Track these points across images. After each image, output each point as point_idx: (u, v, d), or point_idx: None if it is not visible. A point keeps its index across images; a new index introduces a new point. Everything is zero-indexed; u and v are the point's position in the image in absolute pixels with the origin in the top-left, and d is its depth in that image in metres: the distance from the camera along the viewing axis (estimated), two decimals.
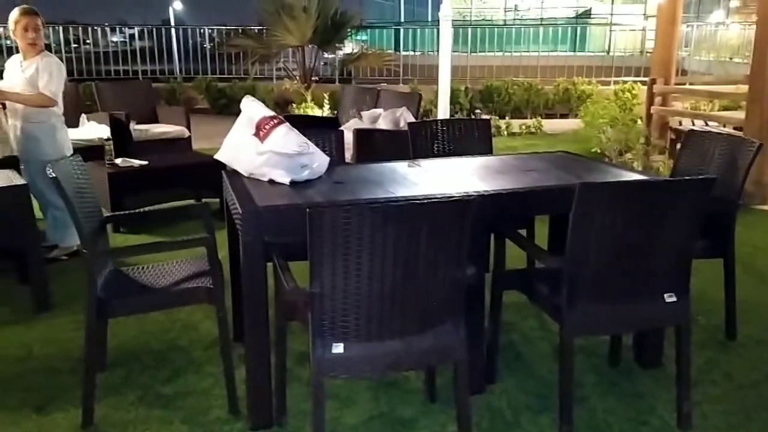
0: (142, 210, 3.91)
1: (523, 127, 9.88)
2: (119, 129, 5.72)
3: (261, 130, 2.70)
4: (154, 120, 6.75)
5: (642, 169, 5.72)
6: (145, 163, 4.91)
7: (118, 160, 4.85)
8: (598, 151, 6.97)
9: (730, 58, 14.61)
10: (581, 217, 2.16)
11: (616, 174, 2.97)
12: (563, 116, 11.53)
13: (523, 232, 3.25)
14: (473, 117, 9.80)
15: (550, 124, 10.41)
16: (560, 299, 2.26)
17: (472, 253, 2.07)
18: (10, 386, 2.70)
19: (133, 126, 6.12)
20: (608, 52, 16.30)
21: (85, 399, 2.40)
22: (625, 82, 11.13)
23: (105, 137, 5.13)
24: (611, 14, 21.31)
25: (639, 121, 7.76)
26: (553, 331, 3.11)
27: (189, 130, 6.57)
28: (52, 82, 3.85)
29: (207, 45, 14.32)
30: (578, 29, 19.51)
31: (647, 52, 14.41)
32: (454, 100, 9.64)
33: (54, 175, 2.31)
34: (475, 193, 2.47)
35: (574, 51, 17.19)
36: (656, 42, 8.10)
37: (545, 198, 2.66)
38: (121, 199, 4.68)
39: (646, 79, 8.62)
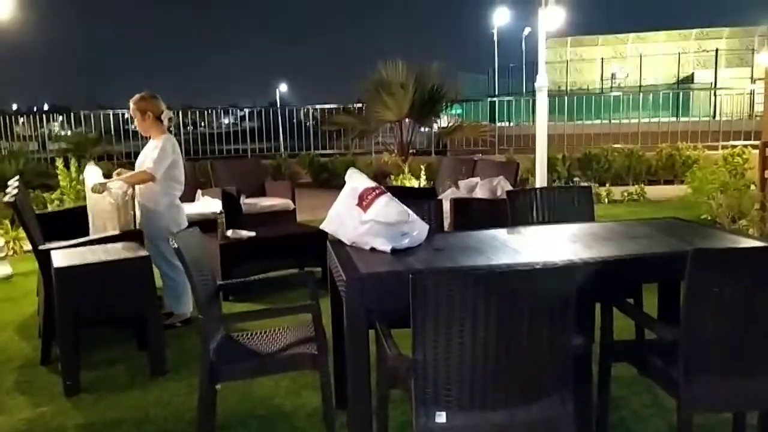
0: (251, 279, 4.10)
1: (625, 194, 9.59)
2: (230, 203, 6.07)
3: (364, 201, 2.80)
4: (262, 194, 7.12)
5: (759, 235, 5.38)
6: (253, 234, 5.17)
7: (229, 232, 5.13)
8: (709, 218, 6.64)
9: None
10: (697, 285, 2.07)
11: (732, 240, 2.83)
12: (667, 182, 11.10)
13: (631, 301, 3.12)
14: (573, 185, 9.64)
15: (654, 191, 10.05)
16: (676, 372, 2.15)
17: (578, 323, 2.02)
18: None
19: (243, 200, 6.48)
20: (714, 117, 15.71)
21: None
22: (733, 146, 10.64)
23: (218, 211, 5.46)
24: (715, 78, 20.66)
25: (752, 186, 7.34)
26: (668, 408, 2.92)
27: (294, 202, 6.87)
28: (158, 162, 4.19)
29: (310, 123, 15.11)
30: (680, 95, 18.99)
31: (756, 115, 13.77)
32: (551, 168, 9.55)
33: (176, 245, 2.49)
34: (580, 260, 2.43)
35: (677, 117, 16.68)
36: (765, 105, 7.74)
37: (655, 265, 2.57)
38: (231, 268, 4.92)
39: (756, 142, 8.21)
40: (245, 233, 5.16)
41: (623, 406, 3.02)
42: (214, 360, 2.54)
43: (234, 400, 3.21)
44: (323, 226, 2.91)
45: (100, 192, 4.20)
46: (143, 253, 3.79)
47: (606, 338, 2.60)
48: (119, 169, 4.52)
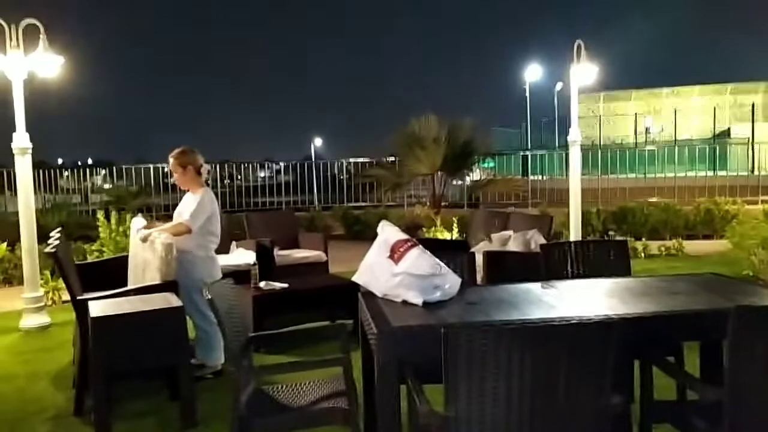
0: (283, 330, 4.10)
1: (663, 248, 9.39)
2: (264, 254, 6.14)
3: (396, 253, 2.81)
4: (295, 245, 7.19)
5: None
6: (285, 285, 5.19)
7: (262, 284, 5.17)
8: (750, 273, 6.45)
9: None
10: (740, 344, 2.00)
11: None
12: (706, 237, 10.87)
13: (671, 359, 3.02)
14: (607, 238, 9.50)
15: (692, 246, 9.83)
16: None
17: (616, 381, 1.96)
18: None
19: (277, 251, 6.55)
20: (753, 171, 15.45)
21: None
22: None
23: (251, 263, 5.51)
24: (752, 132, 20.43)
25: None
26: None
27: (326, 254, 6.92)
28: (195, 216, 4.28)
29: (344, 176, 15.33)
30: (717, 149, 18.78)
31: None
32: (586, 221, 9.44)
33: (209, 296, 2.52)
34: (617, 316, 2.37)
35: (714, 171, 16.46)
36: None
37: (695, 322, 2.49)
38: (263, 319, 4.93)
39: None
40: (278, 285, 5.19)
41: None
42: (244, 413, 2.52)
43: None
44: (355, 278, 2.92)
45: (145, 241, 4.29)
46: (177, 303, 3.83)
47: (646, 397, 2.51)
48: (155, 222, 4.64)
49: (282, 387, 2.87)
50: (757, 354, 2.01)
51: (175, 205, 4.65)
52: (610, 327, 1.92)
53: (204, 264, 4.37)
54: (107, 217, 7.90)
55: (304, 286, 5.44)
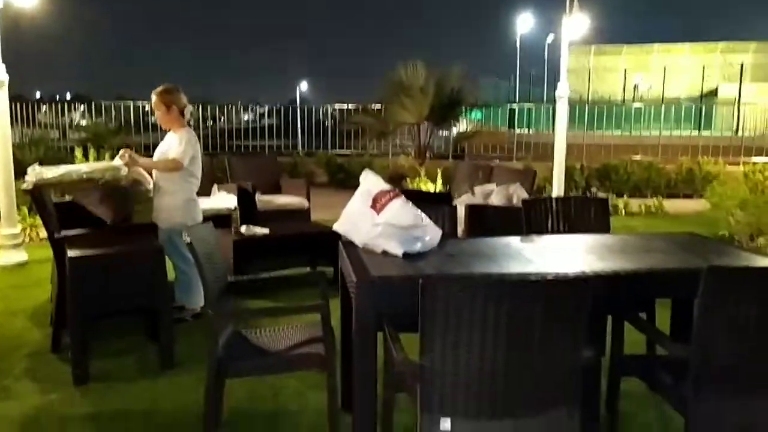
0: (262, 276, 4.14)
1: (643, 206, 9.49)
2: (246, 199, 6.09)
3: (378, 203, 2.80)
4: (278, 191, 7.14)
5: None
6: (266, 231, 5.18)
7: (243, 228, 5.15)
8: (727, 234, 6.56)
9: None
10: (710, 303, 2.04)
11: (748, 259, 2.79)
12: (686, 197, 10.99)
13: (643, 315, 3.09)
14: (589, 195, 9.57)
15: (672, 205, 9.94)
16: (686, 390, 2.12)
17: (589, 336, 2.00)
18: None
19: (258, 196, 6.51)
20: (737, 132, 15.53)
21: None
22: (755, 162, 10.51)
23: (232, 207, 5.48)
24: (739, 93, 20.43)
25: None
26: (676, 426, 2.87)
27: (308, 201, 6.89)
28: (184, 153, 4.21)
29: (328, 122, 15.16)
30: (703, 108, 18.80)
31: None
32: (569, 177, 9.48)
33: (189, 239, 2.50)
34: (593, 272, 2.40)
35: (699, 130, 16.51)
36: None
37: (669, 280, 2.53)
38: (243, 264, 4.94)
39: None
40: (259, 230, 5.17)
41: (631, 422, 2.98)
42: (222, 356, 2.55)
43: (241, 396, 3.21)
44: (336, 227, 2.91)
45: (128, 165, 4.12)
46: (156, 245, 3.81)
47: (616, 352, 2.57)
48: (126, 149, 4.39)
49: (260, 331, 2.90)
50: (725, 314, 2.05)
51: (155, 145, 4.57)
52: (586, 283, 1.94)
53: (185, 206, 4.33)
54: (85, 155, 7.78)
55: (286, 232, 5.43)
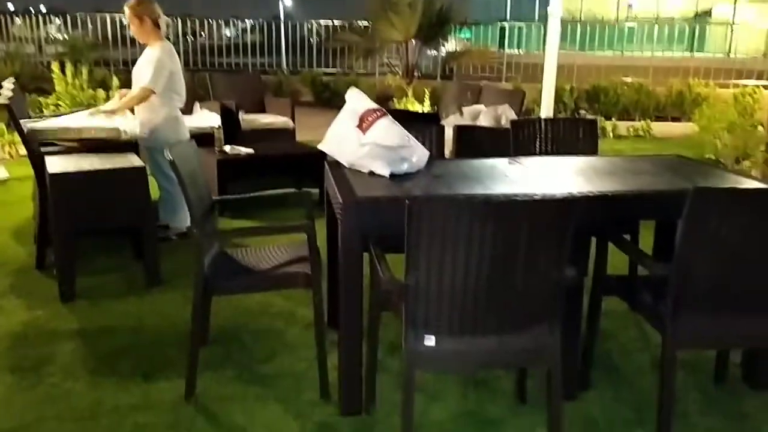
0: (247, 195, 4.09)
1: (631, 129, 9.46)
2: (229, 118, 5.98)
3: (364, 122, 2.74)
4: (262, 110, 7.01)
5: (762, 177, 5.33)
6: (251, 151, 5.11)
7: (227, 148, 5.07)
8: (713, 157, 6.57)
9: None
10: (693, 224, 2.05)
11: (733, 180, 2.80)
12: (675, 120, 10.94)
13: (627, 237, 3.12)
14: (578, 117, 9.50)
15: (661, 128, 9.91)
16: (665, 309, 2.16)
17: (573, 256, 2.01)
18: (122, 355, 2.90)
19: (242, 115, 6.38)
20: (729, 54, 15.33)
21: (189, 371, 2.54)
22: (746, 85, 10.41)
23: (216, 125, 5.37)
24: (734, 13, 19.98)
25: (760, 128, 7.23)
26: (654, 343, 2.98)
27: (293, 121, 6.78)
28: (156, 76, 4.08)
29: (314, 39, 14.72)
30: (696, 28, 18.43)
31: None
32: (558, 99, 9.37)
33: (171, 157, 2.45)
34: (580, 194, 2.40)
35: (692, 52, 16.26)
36: None
37: (655, 202, 2.54)
38: (227, 184, 4.90)
39: None
40: (243, 150, 5.10)
41: (610, 340, 3.07)
42: (208, 274, 2.55)
43: (227, 314, 3.25)
44: (321, 146, 2.87)
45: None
46: (139, 163, 3.75)
47: (599, 272, 2.61)
48: (123, 90, 4.48)
49: (246, 250, 2.90)
50: (708, 235, 2.06)
51: (134, 60, 4.42)
52: (571, 204, 1.93)
53: (168, 124, 4.23)
54: (62, 70, 7.54)
55: (270, 152, 5.37)
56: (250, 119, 6.50)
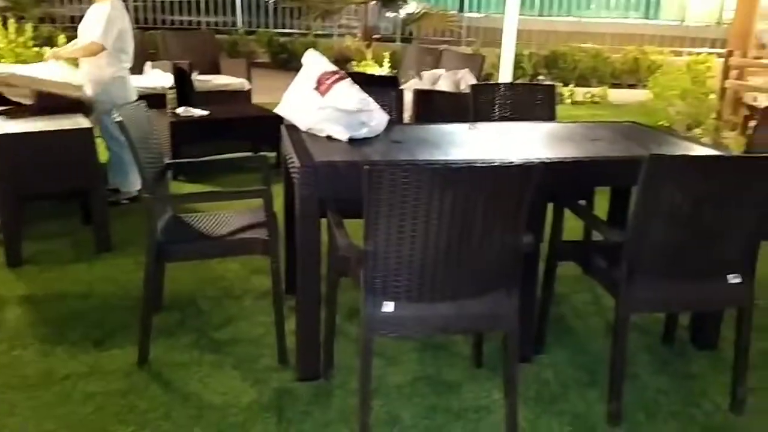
0: (202, 159, 3.99)
1: (588, 95, 9.56)
2: (182, 78, 5.79)
3: (322, 85, 2.68)
4: (216, 71, 6.80)
5: (712, 144, 5.47)
6: (205, 113, 4.98)
7: (180, 110, 4.93)
8: (666, 124, 6.70)
9: None
10: (648, 190, 2.08)
11: (685, 147, 2.84)
12: (631, 87, 11.10)
13: (583, 203, 3.16)
14: (537, 83, 9.54)
15: (617, 94, 10.05)
16: (618, 274, 2.20)
17: (530, 222, 2.02)
18: (72, 321, 2.82)
19: (195, 76, 6.19)
20: (683, 22, 15.54)
21: (142, 338, 2.49)
22: (699, 53, 10.61)
23: (168, 86, 5.20)
24: None
25: (711, 96, 7.40)
26: (607, 307, 3.05)
27: (249, 82, 6.61)
28: (107, 31, 3.91)
29: None
30: None
31: (725, 23, 13.67)
32: (517, 64, 9.36)
33: (119, 119, 2.35)
34: (538, 160, 2.40)
35: (647, 18, 16.42)
36: (736, 12, 7.66)
37: (611, 169, 2.57)
38: (180, 147, 4.77)
39: (722, 51, 8.20)
40: (197, 111, 4.97)
41: (565, 303, 3.13)
42: (160, 239, 2.48)
43: (183, 280, 3.19)
44: (278, 110, 2.80)
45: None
46: (86, 124, 3.60)
47: (555, 238, 2.64)
48: (75, 41, 4.25)
49: (201, 216, 2.83)
50: (661, 201, 2.10)
51: (82, 18, 4.20)
52: (530, 170, 1.93)
53: (113, 83, 4.07)
54: (4, 25, 7.15)
55: (226, 114, 5.23)
56: (203, 80, 6.30)
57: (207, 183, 4.63)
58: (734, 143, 5.82)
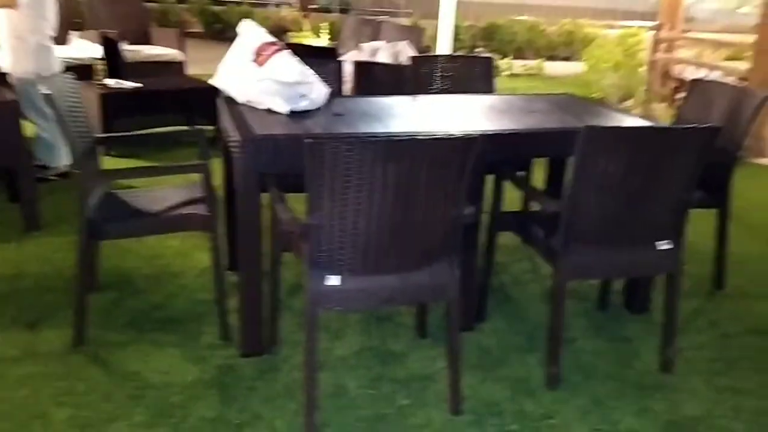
0: (135, 133, 3.87)
1: (525, 68, 9.71)
2: (111, 49, 5.55)
3: (260, 56, 2.61)
4: (147, 42, 6.55)
5: (643, 115, 5.66)
6: (137, 85, 4.79)
7: (110, 81, 4.73)
8: (600, 96, 6.88)
9: (737, 8, 14.30)
10: (583, 161, 2.13)
11: (618, 119, 2.93)
12: (566, 59, 11.33)
13: (521, 174, 3.22)
14: (475, 55, 9.61)
15: (552, 67, 10.25)
16: (556, 243, 2.26)
17: (471, 193, 2.05)
18: (3, 303, 2.70)
19: (125, 46, 5.94)
20: None
21: (77, 318, 2.41)
22: (630, 26, 10.89)
23: (96, 57, 4.97)
24: None
25: (642, 68, 7.64)
26: (544, 275, 3.14)
27: (183, 53, 6.40)
28: None
29: None
30: None
31: None
32: (455, 36, 9.40)
33: (48, 91, 2.23)
34: (478, 133, 2.43)
35: None
36: None
37: (549, 140, 2.62)
38: (112, 121, 4.59)
39: (652, 24, 8.44)
40: (129, 84, 4.78)
41: (505, 272, 3.21)
42: (93, 217, 2.39)
43: (117, 259, 3.09)
44: (214, 82, 2.72)
45: None
46: (10, 97, 3.41)
47: (495, 209, 2.68)
48: None
49: (136, 192, 2.74)
50: (596, 171, 2.16)
51: None
52: (470, 143, 1.95)
53: (38, 53, 3.86)
54: None
55: (159, 86, 5.06)
56: (134, 51, 6.06)
57: (142, 158, 4.48)
58: (663, 114, 6.04)
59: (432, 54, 6.62)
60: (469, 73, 3.69)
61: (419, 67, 3.60)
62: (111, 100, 4.61)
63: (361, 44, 5.88)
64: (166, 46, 6.41)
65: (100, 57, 4.95)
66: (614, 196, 2.22)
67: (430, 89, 3.57)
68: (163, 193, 2.72)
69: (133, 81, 4.82)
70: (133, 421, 2.05)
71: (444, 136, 2.20)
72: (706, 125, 2.36)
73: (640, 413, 2.20)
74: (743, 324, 2.85)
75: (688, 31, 8.56)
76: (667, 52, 7.56)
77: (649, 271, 2.64)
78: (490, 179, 2.61)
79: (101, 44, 5.51)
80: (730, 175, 3.02)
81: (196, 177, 2.57)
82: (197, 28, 11.48)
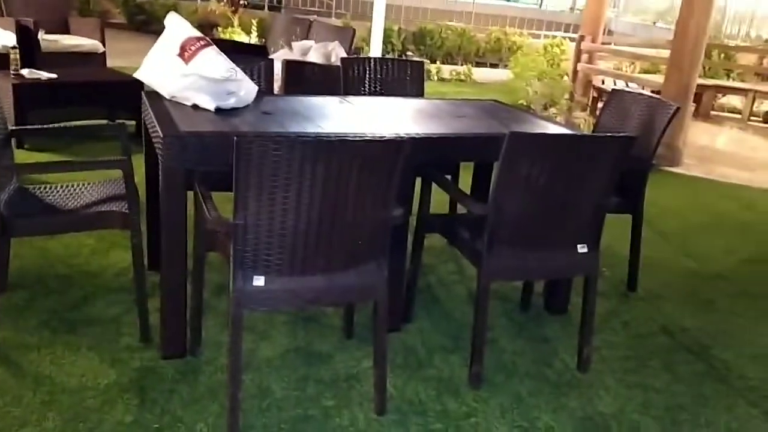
0: (51, 126, 3.69)
1: (454, 73, 9.88)
2: (26, 37, 5.28)
3: (186, 51, 2.55)
4: (65, 31, 6.26)
5: (565, 123, 5.87)
6: (54, 76, 4.57)
7: (25, 71, 4.49)
8: (525, 103, 7.09)
9: (654, 23, 15.08)
10: (508, 166, 2.19)
11: (542, 126, 3.03)
12: (493, 66, 11.61)
13: (448, 178, 3.28)
14: (406, 58, 9.70)
15: (480, 73, 10.47)
16: (480, 245, 2.31)
17: (400, 195, 2.07)
18: None
19: (42, 35, 5.66)
20: (541, 6, 16.45)
21: None
22: (555, 36, 11.29)
23: (10, 45, 4.71)
24: None
25: (565, 77, 7.93)
26: (469, 276, 3.20)
27: (104, 44, 6.15)
28: None
29: None
30: None
31: (578, 9, 14.65)
32: (386, 39, 9.48)
33: None
34: (408, 135, 2.45)
35: (509, 1, 17.21)
36: (588, 0, 8.22)
37: (476, 145, 2.68)
38: (26, 113, 4.35)
39: (575, 35, 8.78)
40: (45, 74, 4.55)
41: (431, 273, 3.25)
42: (4, 213, 2.27)
43: (29, 258, 2.94)
44: (138, 75, 2.63)
45: None
46: None
47: (423, 211, 2.72)
48: None
49: (52, 187, 2.61)
50: (520, 176, 2.22)
51: None
52: (400, 145, 1.97)
53: None
54: None
55: (78, 78, 4.85)
56: (51, 40, 5.78)
57: (59, 152, 4.27)
58: (584, 123, 6.29)
59: (363, 56, 6.65)
60: (400, 77, 3.73)
61: (350, 68, 3.61)
62: (25, 91, 4.38)
63: (292, 43, 5.83)
64: (85, 36, 6.15)
65: (14, 45, 4.68)
66: (536, 201, 2.29)
67: (361, 91, 3.58)
68: (80, 188, 2.60)
69: (49, 71, 4.59)
70: (43, 427, 1.95)
71: (374, 138, 2.21)
72: (623, 134, 2.48)
73: (557, 410, 2.28)
74: (654, 324, 3.00)
75: (609, 43, 8.95)
76: (589, 62, 7.88)
77: (569, 273, 2.74)
78: (418, 182, 2.64)
79: (16, 32, 5.22)
80: (644, 182, 3.18)
81: (117, 173, 2.47)
82: (119, 19, 11.07)
